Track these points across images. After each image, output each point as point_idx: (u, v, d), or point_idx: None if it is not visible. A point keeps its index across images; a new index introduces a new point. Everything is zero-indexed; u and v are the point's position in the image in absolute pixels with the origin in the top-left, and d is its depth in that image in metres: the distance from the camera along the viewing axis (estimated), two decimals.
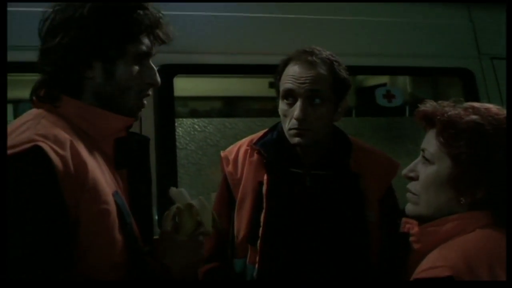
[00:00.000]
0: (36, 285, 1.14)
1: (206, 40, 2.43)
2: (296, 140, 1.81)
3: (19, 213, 1.14)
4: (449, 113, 1.36)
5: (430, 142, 1.41)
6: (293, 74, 1.80)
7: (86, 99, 1.34)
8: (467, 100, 2.77)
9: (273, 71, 1.93)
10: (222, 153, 1.98)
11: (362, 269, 1.85)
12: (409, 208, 1.46)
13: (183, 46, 2.06)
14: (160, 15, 1.38)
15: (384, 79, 3.27)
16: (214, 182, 2.37)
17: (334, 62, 1.83)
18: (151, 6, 1.37)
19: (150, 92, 1.43)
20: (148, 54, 1.39)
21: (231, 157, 1.94)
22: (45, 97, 1.33)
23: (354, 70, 2.01)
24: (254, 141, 1.93)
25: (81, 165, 1.23)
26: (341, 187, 1.86)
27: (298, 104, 1.78)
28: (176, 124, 2.36)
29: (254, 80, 3.62)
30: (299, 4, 2.66)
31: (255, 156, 1.91)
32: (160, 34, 1.38)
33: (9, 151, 1.16)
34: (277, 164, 1.87)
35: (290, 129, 1.81)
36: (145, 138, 1.52)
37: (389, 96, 2.75)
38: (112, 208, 1.28)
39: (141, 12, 1.33)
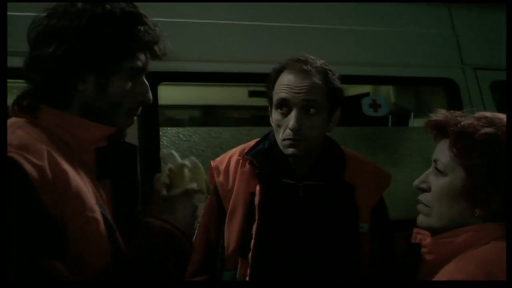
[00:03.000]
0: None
1: (192, 48, 2.38)
2: (290, 150, 1.77)
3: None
4: (463, 123, 1.34)
5: (443, 153, 1.37)
6: (287, 83, 1.76)
7: (73, 112, 1.28)
8: (450, 110, 2.79)
9: (258, 79, 1.90)
10: (213, 163, 1.92)
11: (353, 279, 1.81)
12: (421, 219, 1.42)
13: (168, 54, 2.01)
14: (159, 31, 1.33)
15: (367, 88, 3.28)
16: None
17: (329, 72, 1.80)
18: (150, 20, 1.32)
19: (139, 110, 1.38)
20: (143, 70, 1.34)
21: (222, 167, 1.89)
22: (26, 107, 1.26)
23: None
24: (246, 151, 1.88)
25: (60, 174, 1.17)
26: (334, 198, 1.83)
27: (293, 114, 1.74)
28: (160, 133, 2.29)
29: (240, 88, 3.58)
30: (284, 12, 2.64)
31: (247, 166, 1.86)
32: (157, 50, 1.34)
33: None
34: (270, 175, 1.83)
35: (284, 139, 1.77)
36: (132, 146, 1.45)
37: (375, 105, 2.74)
38: (99, 216, 1.23)
39: (141, 28, 1.28)
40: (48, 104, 1.26)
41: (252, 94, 4.19)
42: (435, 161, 1.40)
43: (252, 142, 1.93)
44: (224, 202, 1.86)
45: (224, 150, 2.15)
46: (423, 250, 1.40)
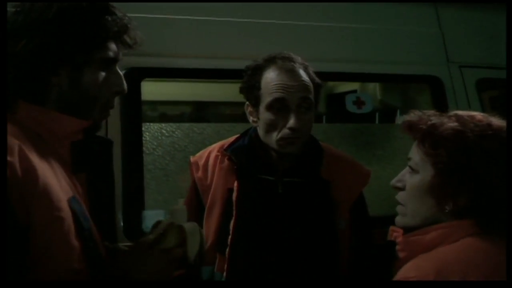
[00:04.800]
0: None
1: (175, 43, 2.38)
2: (288, 149, 1.78)
3: None
4: (432, 121, 1.34)
5: (414, 151, 1.38)
6: (280, 82, 1.76)
7: (49, 106, 1.29)
8: (435, 108, 2.80)
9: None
10: (192, 159, 1.93)
11: (331, 275, 1.82)
12: (398, 219, 1.42)
13: (151, 49, 2.02)
14: (128, 20, 1.33)
15: (354, 85, 3.28)
16: (182, 188, 2.33)
17: (309, 68, 1.82)
18: (118, 10, 1.32)
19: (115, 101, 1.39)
20: (115, 60, 1.34)
21: (201, 162, 1.90)
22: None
23: (325, 76, 1.99)
24: (225, 146, 1.89)
25: (30, 171, 1.17)
26: (312, 194, 1.84)
27: (292, 113, 1.75)
28: (143, 128, 2.30)
29: (223, 85, 3.58)
30: (270, 9, 2.64)
31: (226, 162, 1.87)
32: (128, 39, 1.34)
33: None
34: (248, 171, 1.84)
35: (282, 138, 1.77)
36: (107, 141, 1.46)
37: (359, 102, 2.75)
38: (66, 214, 1.23)
39: (108, 17, 1.28)
40: (25, 99, 1.27)
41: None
42: (409, 159, 1.40)
43: (231, 138, 1.93)
44: (203, 198, 1.86)
45: (206, 145, 2.16)
46: (397, 247, 1.39)
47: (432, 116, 1.38)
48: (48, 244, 1.18)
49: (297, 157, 1.84)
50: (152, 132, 2.37)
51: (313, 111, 1.81)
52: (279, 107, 1.76)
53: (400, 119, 3.30)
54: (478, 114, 1.37)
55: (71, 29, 1.24)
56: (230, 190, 1.82)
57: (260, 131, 1.84)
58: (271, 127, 1.78)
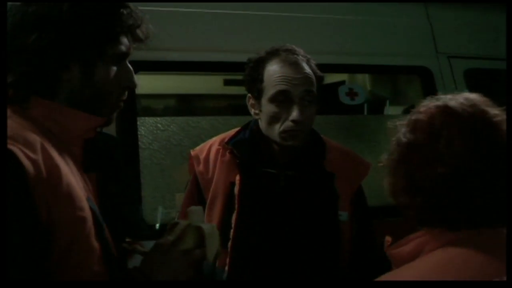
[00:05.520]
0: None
1: (169, 37, 2.35)
2: (290, 142, 1.77)
3: None
4: None
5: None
6: (284, 75, 1.75)
7: (60, 101, 1.25)
8: (425, 98, 2.83)
9: (235, 68, 1.87)
10: (192, 152, 1.92)
11: (333, 269, 1.83)
12: None
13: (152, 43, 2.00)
14: (142, 13, 1.29)
15: (343, 76, 3.30)
16: (179, 182, 2.32)
17: (311, 60, 1.82)
18: (131, 3, 1.28)
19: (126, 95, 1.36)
20: (127, 55, 1.31)
21: (202, 156, 1.88)
22: (13, 98, 1.22)
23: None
24: (226, 140, 1.88)
25: (53, 170, 1.14)
26: (315, 187, 1.84)
27: (296, 106, 1.74)
28: (138, 123, 2.27)
29: (216, 77, 3.57)
30: (261, 1, 2.63)
31: (227, 155, 1.85)
32: (140, 34, 1.30)
33: None
34: (250, 164, 1.83)
35: (285, 131, 1.76)
36: (113, 138, 1.44)
37: (351, 94, 2.76)
38: (88, 214, 1.20)
39: (123, 11, 1.25)
40: (36, 94, 1.22)
41: (227, 82, 4.19)
42: None
43: (232, 132, 1.92)
44: (204, 191, 1.85)
45: (202, 139, 2.15)
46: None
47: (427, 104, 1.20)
48: (70, 245, 1.15)
49: (299, 150, 1.84)
50: (147, 126, 2.35)
51: (315, 104, 1.81)
52: (282, 99, 1.76)
53: (389, 110, 3.34)
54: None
55: (85, 23, 1.21)
56: (232, 184, 1.81)
57: (262, 124, 1.83)
58: (274, 119, 1.78)
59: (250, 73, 1.84)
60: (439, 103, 1.14)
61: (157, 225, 2.25)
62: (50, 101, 1.23)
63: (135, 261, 1.36)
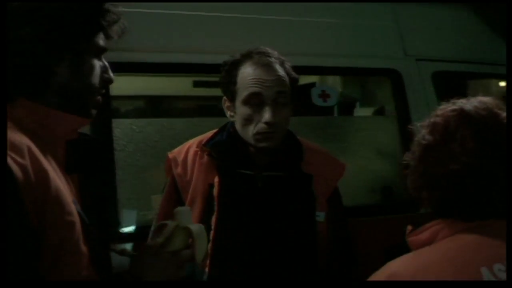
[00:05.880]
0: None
1: (140, 38, 2.34)
2: (264, 143, 1.79)
3: None
4: None
5: None
6: (256, 77, 1.78)
7: (49, 97, 1.24)
8: (395, 99, 2.89)
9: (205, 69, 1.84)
10: (170, 154, 1.92)
11: (311, 268, 1.86)
12: None
13: (117, 44, 1.99)
14: (120, 10, 1.30)
15: (314, 78, 3.33)
16: (154, 185, 2.31)
17: (286, 62, 1.84)
18: None
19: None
20: (105, 49, 1.32)
21: (180, 158, 1.89)
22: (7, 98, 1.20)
23: None
24: (204, 142, 1.88)
25: (41, 174, 1.13)
26: (292, 188, 1.86)
27: (268, 108, 1.76)
28: (113, 125, 2.26)
29: (186, 79, 3.56)
30: (230, 3, 2.63)
31: (205, 157, 1.86)
32: (118, 29, 1.31)
33: None
34: (229, 166, 1.84)
35: (258, 133, 1.78)
36: (95, 139, 1.43)
37: (324, 95, 2.80)
38: (76, 218, 1.19)
39: (108, 5, 1.26)
40: (24, 94, 1.21)
41: (196, 84, 4.18)
42: None
43: (209, 134, 1.93)
44: (183, 194, 1.86)
45: (178, 141, 2.14)
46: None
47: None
48: (59, 250, 1.14)
49: (276, 151, 1.86)
50: (122, 128, 2.33)
51: (289, 105, 1.84)
52: (255, 101, 1.78)
53: (359, 111, 3.39)
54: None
55: (76, 15, 1.21)
56: (211, 186, 1.82)
57: (237, 126, 1.85)
58: (247, 121, 1.80)
59: (225, 75, 1.86)
60: (455, 106, 1.25)
61: (133, 228, 2.23)
62: (35, 102, 1.22)
63: (123, 263, 1.36)
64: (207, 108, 4.40)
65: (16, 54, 1.18)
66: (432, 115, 1.29)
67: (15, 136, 1.13)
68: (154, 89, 3.81)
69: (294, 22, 2.76)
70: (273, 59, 1.81)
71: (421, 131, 1.29)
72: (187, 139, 1.97)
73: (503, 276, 1.11)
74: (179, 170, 1.87)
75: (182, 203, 1.85)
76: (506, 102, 1.27)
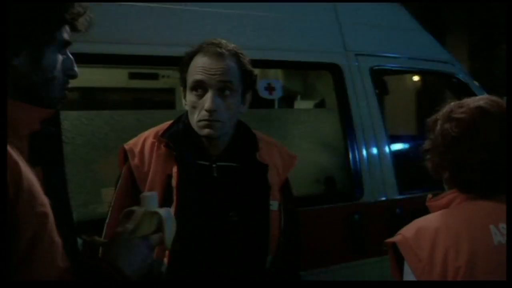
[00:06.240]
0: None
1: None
2: (206, 131, 1.81)
3: None
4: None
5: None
6: (202, 65, 1.81)
7: (11, 90, 1.20)
8: (336, 92, 2.97)
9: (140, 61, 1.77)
10: (127, 146, 1.91)
11: (264, 256, 1.91)
12: None
13: None
14: (86, 3, 1.30)
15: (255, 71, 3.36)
16: (104, 177, 2.27)
17: (240, 55, 1.88)
18: None
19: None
20: (69, 43, 1.31)
21: (137, 149, 1.88)
22: None
23: None
24: (161, 133, 1.89)
25: (13, 166, 1.11)
26: (248, 177, 1.90)
27: (209, 95, 1.79)
28: (61, 117, 2.19)
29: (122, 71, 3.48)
30: None
31: (163, 148, 1.87)
32: (85, 22, 1.31)
33: None
34: (186, 156, 1.86)
35: (200, 120, 1.81)
36: (52, 130, 1.40)
37: (270, 88, 2.85)
38: (49, 209, 1.18)
39: None
40: None
41: (132, 76, 4.12)
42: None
43: (165, 125, 1.94)
44: (140, 185, 1.85)
45: (127, 133, 2.13)
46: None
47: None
48: (34, 241, 1.12)
49: (229, 142, 1.90)
50: (70, 120, 2.27)
51: (236, 96, 1.86)
52: (199, 89, 1.82)
53: (300, 104, 3.47)
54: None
55: (37, 8, 1.19)
56: (169, 176, 1.84)
57: (189, 115, 1.88)
58: (193, 108, 1.84)
59: (180, 65, 1.90)
60: (476, 104, 1.58)
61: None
62: None
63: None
64: (143, 100, 4.37)
65: None
66: (455, 111, 1.60)
67: None
68: (95, 80, 3.72)
69: (238, 15, 2.77)
70: (223, 50, 1.84)
71: (444, 124, 1.60)
72: (137, 132, 1.98)
73: (504, 232, 1.49)
74: (136, 161, 1.87)
75: (139, 194, 1.84)
76: (506, 102, 1.48)
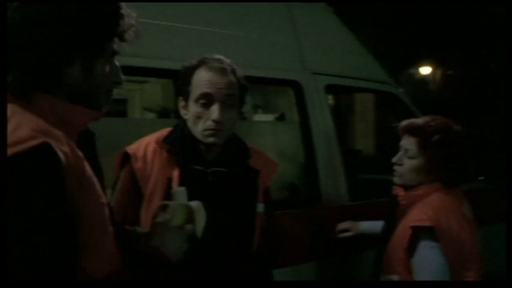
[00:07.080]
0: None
1: None
2: (211, 139, 2.00)
3: (26, 214, 1.11)
4: (428, 129, 2.31)
5: (412, 146, 2.33)
6: (209, 79, 1.99)
7: (62, 94, 1.30)
8: (296, 107, 3.20)
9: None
10: (129, 150, 2.04)
11: (248, 256, 2.10)
12: (396, 180, 2.40)
13: None
14: (134, 16, 1.39)
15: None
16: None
17: (237, 70, 2.08)
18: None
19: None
20: (118, 53, 1.40)
21: (139, 154, 2.02)
22: (20, 94, 1.26)
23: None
24: (161, 139, 2.05)
25: (78, 160, 1.22)
26: (239, 182, 2.10)
27: (216, 107, 1.98)
28: None
29: None
30: (141, 8, 2.65)
31: (164, 153, 2.03)
32: (133, 34, 1.40)
33: (11, 150, 1.11)
34: (185, 161, 2.03)
35: (206, 129, 1.99)
36: (89, 131, 1.49)
37: None
38: (105, 200, 1.30)
39: (123, 11, 1.35)
40: (40, 89, 1.27)
41: None
42: (406, 150, 2.34)
43: (164, 131, 2.11)
44: (143, 187, 1.99)
45: (121, 141, 2.21)
46: (400, 198, 2.37)
47: (430, 122, 2.32)
48: (92, 231, 1.24)
49: (221, 149, 2.09)
50: None
51: (236, 109, 2.08)
52: (206, 101, 2.00)
53: (259, 117, 3.68)
54: (448, 121, 2.37)
55: (92, 22, 1.28)
56: (169, 180, 1.99)
57: (189, 123, 2.05)
58: (197, 119, 2.01)
59: (181, 78, 2.07)
60: (442, 121, 2.35)
61: None
62: (52, 96, 1.29)
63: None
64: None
65: (29, 56, 1.25)
66: (437, 127, 2.32)
67: (47, 126, 1.21)
68: None
69: (203, 32, 2.90)
70: (225, 65, 2.04)
71: (434, 135, 2.29)
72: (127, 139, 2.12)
73: (466, 210, 2.34)
74: (139, 164, 2.01)
75: (140, 197, 1.99)
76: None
